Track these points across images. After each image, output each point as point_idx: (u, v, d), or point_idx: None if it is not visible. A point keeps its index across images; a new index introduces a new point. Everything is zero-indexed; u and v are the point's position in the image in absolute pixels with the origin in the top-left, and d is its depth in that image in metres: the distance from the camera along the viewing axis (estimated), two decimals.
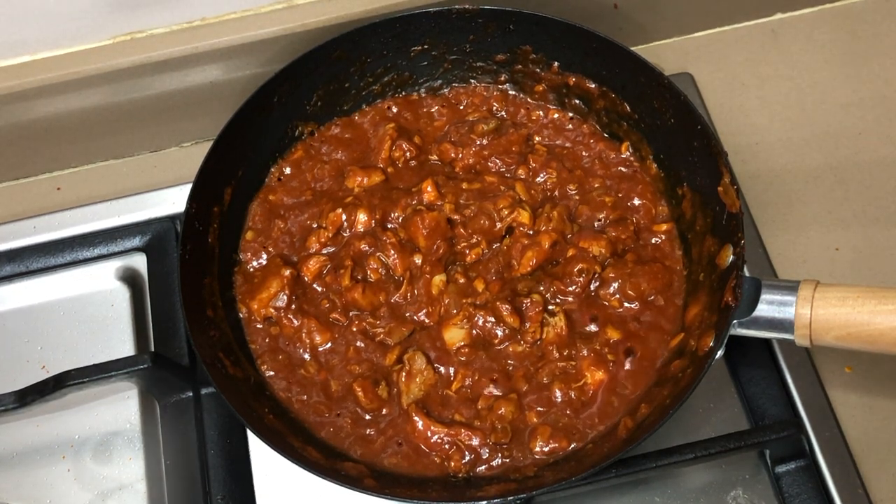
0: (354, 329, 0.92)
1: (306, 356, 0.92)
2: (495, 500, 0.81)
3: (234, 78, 1.05)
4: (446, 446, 0.86)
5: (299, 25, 1.02)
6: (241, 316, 0.94)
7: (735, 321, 0.81)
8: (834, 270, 0.98)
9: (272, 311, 0.93)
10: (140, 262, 1.02)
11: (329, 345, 0.92)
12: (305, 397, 0.90)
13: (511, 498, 0.81)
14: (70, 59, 1.02)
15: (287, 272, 0.93)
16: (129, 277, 1.02)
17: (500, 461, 0.85)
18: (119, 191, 1.08)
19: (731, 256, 0.85)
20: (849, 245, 1.00)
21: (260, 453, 0.91)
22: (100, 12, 0.99)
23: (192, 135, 1.12)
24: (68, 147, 1.10)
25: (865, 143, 1.07)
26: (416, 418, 0.87)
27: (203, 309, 0.90)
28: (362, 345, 0.91)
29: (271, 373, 0.91)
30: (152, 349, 0.97)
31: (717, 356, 0.80)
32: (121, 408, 0.95)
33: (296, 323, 0.92)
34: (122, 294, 1.01)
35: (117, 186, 1.10)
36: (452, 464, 0.86)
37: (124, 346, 0.98)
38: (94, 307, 1.01)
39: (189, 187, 0.91)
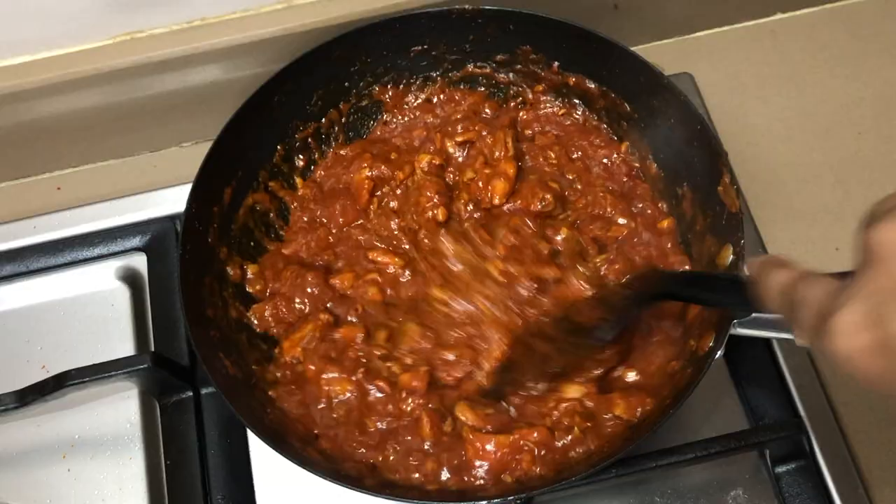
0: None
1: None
2: (495, 500, 0.81)
3: (234, 78, 1.05)
4: None
5: (299, 25, 1.02)
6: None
7: (735, 321, 0.81)
8: (834, 270, 0.98)
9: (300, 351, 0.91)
10: (140, 262, 1.02)
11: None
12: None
13: (511, 498, 0.81)
14: (70, 59, 1.02)
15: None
16: (129, 277, 1.02)
17: None
18: (119, 191, 1.08)
19: (731, 256, 0.85)
20: (849, 245, 0.99)
21: (260, 453, 0.91)
22: (100, 12, 0.99)
23: (192, 135, 1.12)
24: (68, 147, 1.10)
25: (865, 143, 1.07)
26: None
27: (203, 309, 0.90)
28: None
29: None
30: (152, 349, 0.97)
31: (717, 356, 0.80)
32: (121, 408, 0.95)
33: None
34: (122, 294, 1.01)
35: (117, 186, 1.10)
36: None
37: (124, 346, 0.98)
38: (94, 307, 1.01)
39: (189, 187, 0.91)
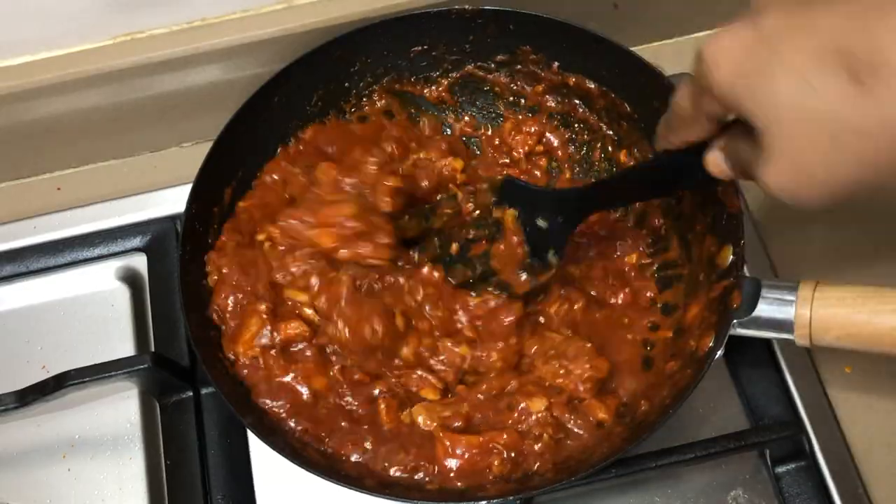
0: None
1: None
2: (495, 501, 0.81)
3: (234, 78, 1.05)
4: None
5: (299, 25, 1.02)
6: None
7: (735, 321, 0.81)
8: (834, 270, 0.98)
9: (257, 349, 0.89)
10: (140, 262, 1.02)
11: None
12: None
13: (511, 498, 0.81)
14: (70, 59, 1.02)
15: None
16: (129, 277, 1.02)
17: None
18: (119, 191, 1.08)
19: (731, 256, 0.85)
20: (849, 245, 1.00)
21: (260, 453, 0.91)
22: (100, 12, 0.99)
23: (192, 135, 1.12)
24: (68, 147, 1.10)
25: None
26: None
27: (203, 309, 0.90)
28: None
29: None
30: (152, 349, 0.97)
31: (717, 356, 0.80)
32: (121, 408, 0.95)
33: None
34: (122, 294, 1.01)
35: (117, 186, 1.10)
36: None
37: (124, 346, 0.98)
38: (94, 307, 1.01)
39: (189, 187, 0.92)
